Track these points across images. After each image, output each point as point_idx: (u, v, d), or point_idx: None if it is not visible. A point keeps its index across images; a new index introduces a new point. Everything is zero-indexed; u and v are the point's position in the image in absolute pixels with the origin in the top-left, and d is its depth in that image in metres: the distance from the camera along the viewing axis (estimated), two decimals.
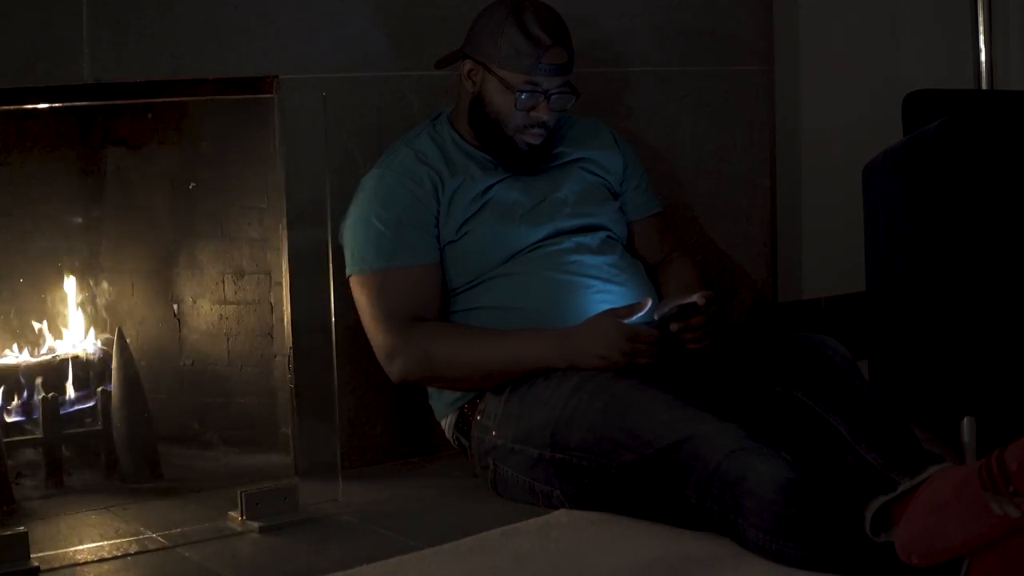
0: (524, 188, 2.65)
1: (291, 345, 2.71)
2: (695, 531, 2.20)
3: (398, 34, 2.79)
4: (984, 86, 3.69)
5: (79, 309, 2.84)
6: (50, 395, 2.64)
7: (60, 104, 2.46)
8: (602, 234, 2.66)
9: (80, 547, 2.30)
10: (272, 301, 2.82)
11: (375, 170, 2.62)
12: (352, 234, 2.59)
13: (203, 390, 2.91)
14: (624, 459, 2.26)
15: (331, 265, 2.61)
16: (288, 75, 2.65)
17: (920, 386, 2.72)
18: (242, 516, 2.41)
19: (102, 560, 2.26)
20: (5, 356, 2.75)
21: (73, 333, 2.82)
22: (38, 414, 2.63)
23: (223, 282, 2.88)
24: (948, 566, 1.91)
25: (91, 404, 2.71)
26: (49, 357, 2.74)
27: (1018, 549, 1.87)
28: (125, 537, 2.36)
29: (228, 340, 2.89)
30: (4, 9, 2.36)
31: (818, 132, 3.64)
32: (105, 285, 2.93)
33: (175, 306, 2.91)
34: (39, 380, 2.69)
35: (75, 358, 2.76)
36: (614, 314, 2.47)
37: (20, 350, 2.76)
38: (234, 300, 2.87)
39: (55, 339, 2.80)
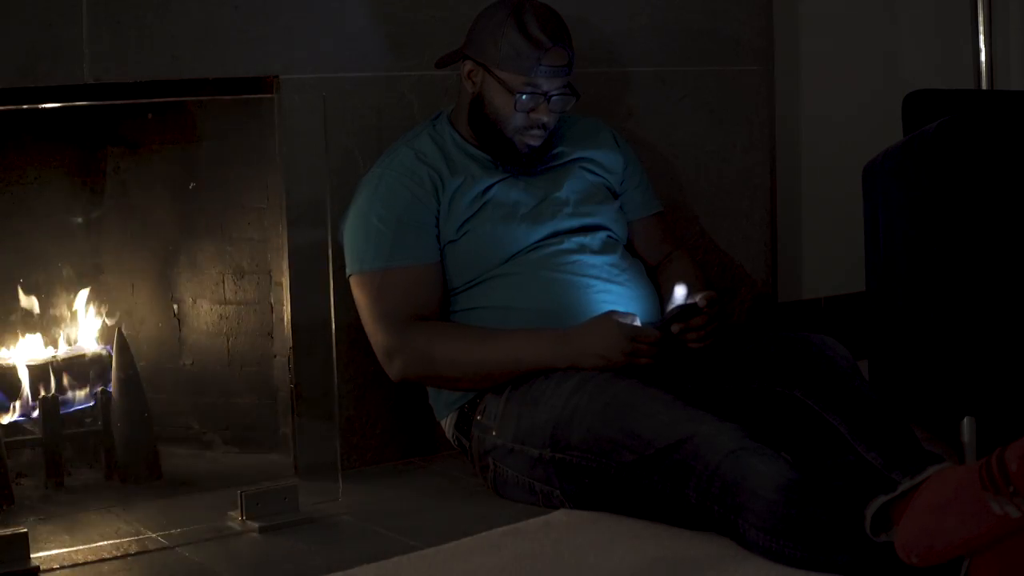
0: (524, 188, 2.65)
1: (291, 345, 2.71)
2: (695, 531, 2.20)
3: (398, 34, 2.79)
4: (984, 86, 3.69)
5: (79, 309, 2.83)
6: (50, 395, 2.65)
7: (60, 104, 2.46)
8: (602, 234, 2.66)
9: (80, 547, 2.30)
10: (272, 301, 2.82)
11: (375, 170, 2.62)
12: (352, 234, 2.59)
13: (203, 390, 2.91)
14: (624, 459, 2.26)
15: (331, 265, 2.61)
16: (288, 75, 2.66)
17: (920, 386, 2.72)
18: (242, 516, 2.41)
19: (102, 560, 2.26)
20: (5, 356, 2.75)
21: (73, 333, 2.82)
22: (38, 414, 2.63)
23: (223, 282, 2.88)
24: (948, 566, 1.91)
25: (91, 404, 2.71)
26: (49, 357, 2.74)
27: (1018, 549, 1.87)
28: (125, 537, 2.36)
29: (228, 340, 2.89)
30: (4, 9, 2.36)
31: (818, 132, 3.64)
32: (105, 285, 2.93)
33: (175, 306, 2.92)
34: (39, 380, 2.69)
35: (75, 358, 2.76)
36: (615, 315, 2.47)
37: (21, 350, 2.76)
38: (234, 300, 2.87)
39: (55, 339, 2.80)
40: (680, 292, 2.56)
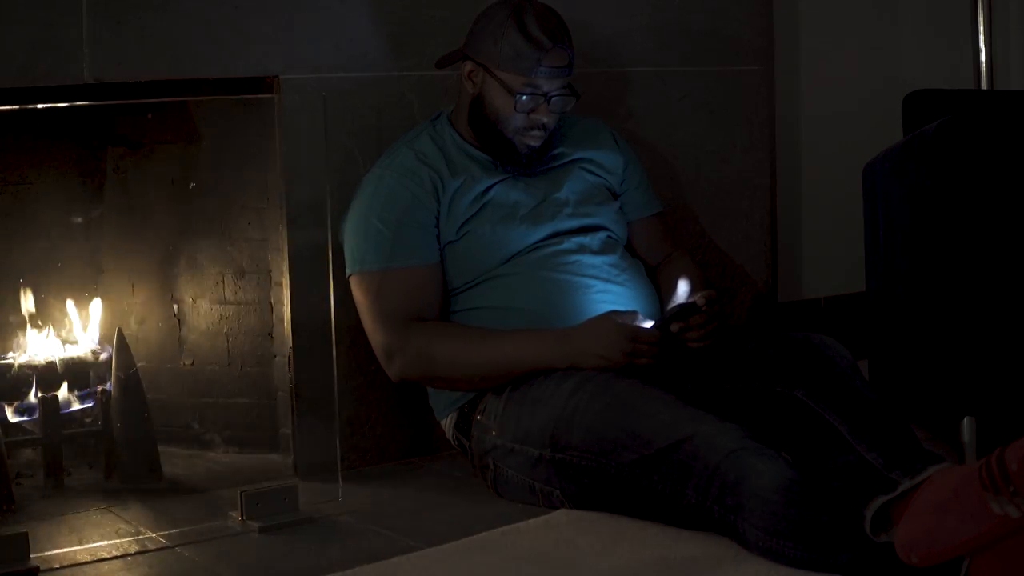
0: (524, 188, 2.65)
1: (291, 345, 2.71)
2: (695, 531, 2.20)
3: (398, 34, 2.79)
4: (984, 86, 3.69)
5: (79, 309, 2.83)
6: (50, 395, 2.65)
7: (60, 104, 2.46)
8: (602, 234, 2.66)
9: (80, 547, 2.30)
10: (272, 301, 2.82)
11: (375, 170, 2.62)
12: (352, 234, 2.59)
13: (203, 390, 2.91)
14: (624, 459, 2.26)
15: (331, 265, 2.61)
16: (288, 75, 2.66)
17: (920, 386, 2.72)
18: (242, 516, 2.41)
19: (102, 560, 2.26)
20: (5, 356, 2.75)
21: (73, 333, 2.82)
22: (38, 414, 2.63)
23: (223, 282, 2.88)
24: (948, 566, 1.91)
25: (91, 404, 2.71)
26: (49, 357, 2.74)
27: (1018, 549, 1.87)
28: (125, 537, 2.36)
29: (228, 340, 2.89)
30: (4, 9, 2.36)
31: (818, 132, 3.64)
32: (105, 285, 2.93)
33: (175, 306, 2.92)
34: (39, 380, 2.69)
35: (75, 358, 2.76)
36: (615, 315, 2.47)
37: (20, 350, 2.76)
38: (234, 300, 2.87)
39: (55, 339, 2.80)
40: (682, 287, 2.56)
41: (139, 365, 2.73)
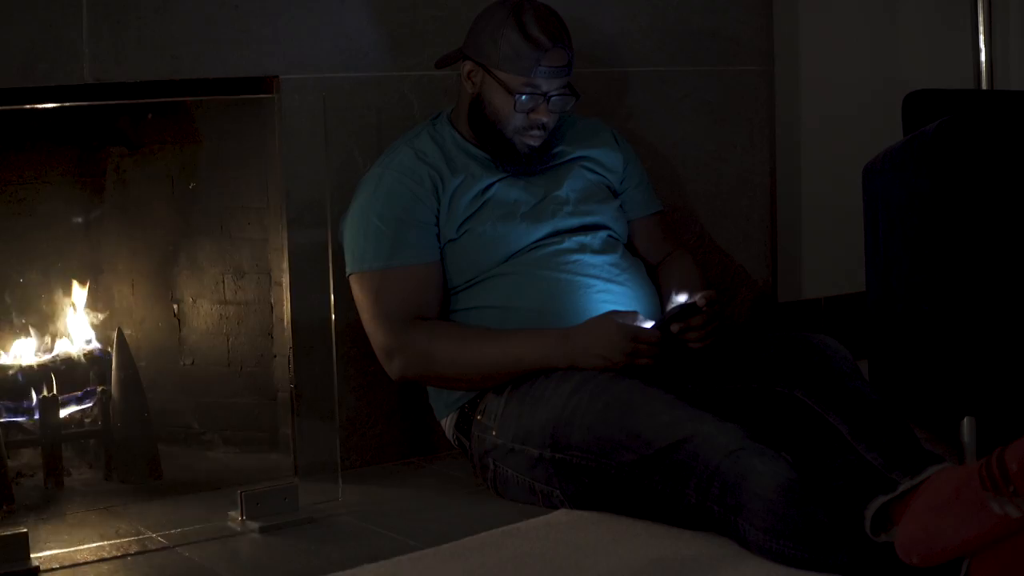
0: (525, 187, 2.65)
1: (291, 345, 2.71)
2: (695, 531, 2.20)
3: (398, 34, 2.79)
4: (984, 86, 3.69)
5: (79, 309, 2.83)
6: (50, 395, 2.65)
7: (60, 104, 2.46)
8: (603, 233, 2.66)
9: (80, 547, 2.30)
10: (272, 301, 2.82)
11: (375, 169, 2.62)
12: (352, 233, 2.59)
13: (203, 390, 2.91)
14: (624, 459, 2.26)
15: (331, 265, 2.61)
16: (288, 75, 2.66)
17: (920, 386, 2.72)
18: (242, 516, 2.41)
19: (102, 560, 2.26)
20: (5, 356, 2.74)
21: (73, 333, 2.82)
22: (38, 414, 2.63)
23: (223, 282, 2.88)
24: (948, 566, 1.91)
25: (91, 404, 2.71)
26: (49, 357, 2.74)
27: (1018, 549, 1.87)
28: (125, 537, 2.36)
29: (228, 340, 2.89)
30: (4, 9, 2.37)
31: (818, 132, 3.64)
32: (105, 285, 2.93)
33: (175, 306, 2.92)
34: (39, 380, 2.69)
35: (75, 358, 2.76)
36: (616, 315, 2.47)
37: (20, 350, 2.76)
38: (234, 300, 2.87)
39: (55, 339, 2.80)
40: (682, 287, 2.57)
41: (139, 365, 2.73)
